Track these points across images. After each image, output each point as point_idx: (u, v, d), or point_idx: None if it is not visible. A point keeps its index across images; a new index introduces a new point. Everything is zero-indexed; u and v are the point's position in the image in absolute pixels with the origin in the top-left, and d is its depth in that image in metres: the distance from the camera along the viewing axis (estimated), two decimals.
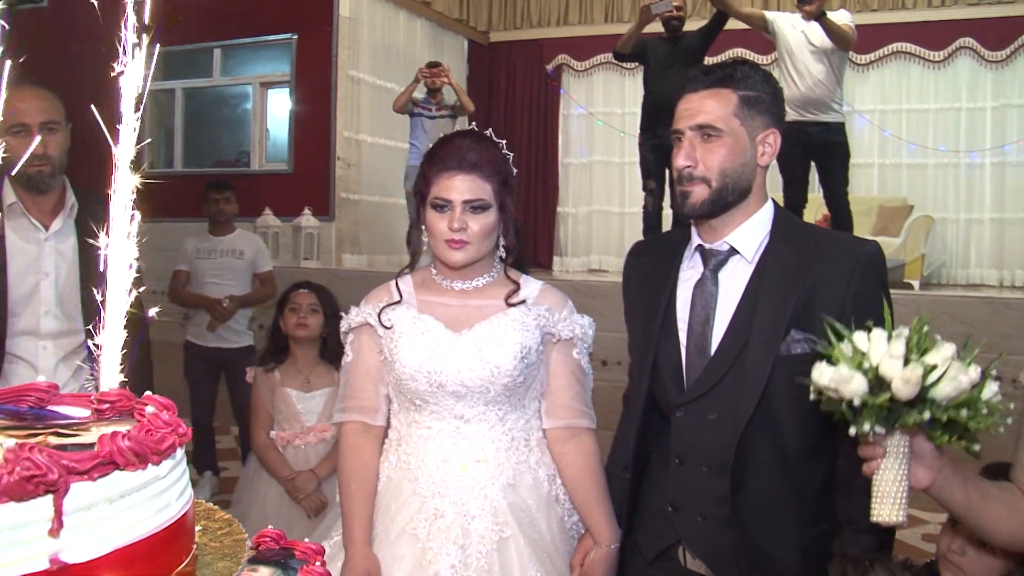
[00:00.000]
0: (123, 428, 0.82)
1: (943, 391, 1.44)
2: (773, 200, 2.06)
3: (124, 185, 1.00)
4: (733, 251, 2.00)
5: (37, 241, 2.78)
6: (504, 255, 2.21)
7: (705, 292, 2.00)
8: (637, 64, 9.02)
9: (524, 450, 2.16)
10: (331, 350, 3.70)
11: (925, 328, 1.49)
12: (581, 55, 10.71)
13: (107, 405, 0.93)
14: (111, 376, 0.97)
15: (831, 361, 1.51)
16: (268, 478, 3.65)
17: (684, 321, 2.02)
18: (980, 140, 9.38)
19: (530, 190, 10.63)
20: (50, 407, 0.95)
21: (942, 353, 1.45)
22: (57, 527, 0.72)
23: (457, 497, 2.08)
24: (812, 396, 1.55)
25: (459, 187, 2.08)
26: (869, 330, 1.52)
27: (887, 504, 1.52)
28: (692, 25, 6.95)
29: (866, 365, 1.46)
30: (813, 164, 6.26)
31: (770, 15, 6.36)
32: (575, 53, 10.75)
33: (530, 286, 2.22)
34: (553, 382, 2.19)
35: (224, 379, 5.54)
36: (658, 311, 2.06)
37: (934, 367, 1.44)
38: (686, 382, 2.01)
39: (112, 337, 0.98)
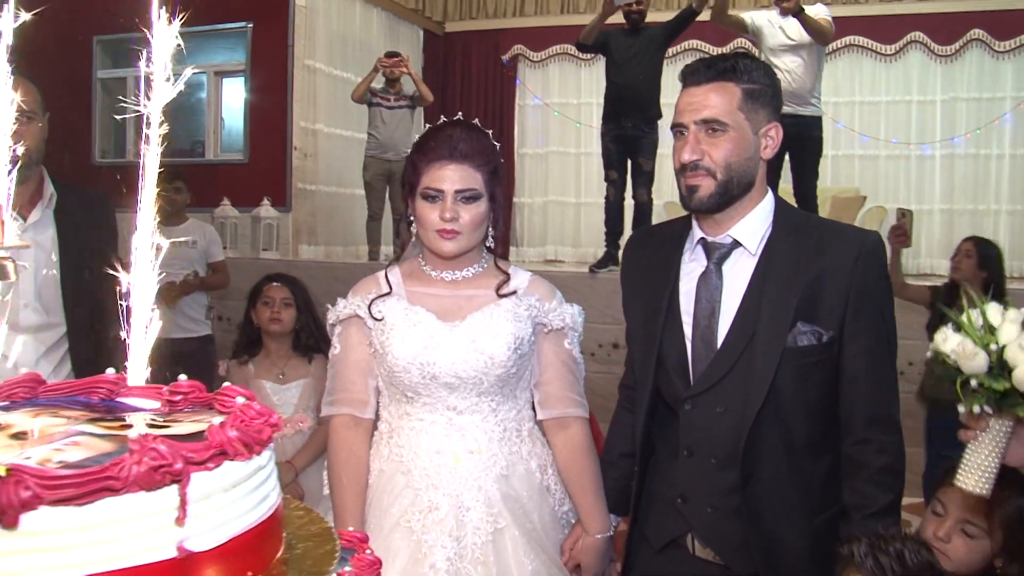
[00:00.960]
0: (212, 420, 0.83)
1: None
2: (773, 191, 2.07)
3: (150, 177, 0.98)
4: (736, 244, 2.00)
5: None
6: (492, 245, 2.20)
7: (710, 285, 2.00)
8: (593, 56, 9.12)
9: (516, 441, 2.16)
10: (304, 343, 3.69)
11: None
12: (537, 46, 10.69)
13: (180, 396, 0.94)
14: (138, 370, 0.96)
15: (956, 328, 1.49)
16: None
17: (689, 314, 2.02)
18: (930, 133, 9.57)
19: None
20: (119, 399, 0.95)
21: None
22: (183, 516, 0.74)
23: (451, 489, 2.07)
24: (928, 354, 1.54)
25: (450, 177, 2.06)
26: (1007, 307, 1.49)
27: (975, 475, 1.52)
28: (655, 16, 6.98)
29: (993, 346, 1.44)
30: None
31: (748, 16, 6.41)
32: (531, 44, 10.73)
33: (519, 276, 2.21)
34: (545, 373, 2.18)
35: (186, 371, 5.45)
36: (662, 304, 2.06)
37: None
38: (692, 375, 2.01)
39: (138, 331, 0.97)
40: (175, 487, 0.73)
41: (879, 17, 9.46)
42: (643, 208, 6.82)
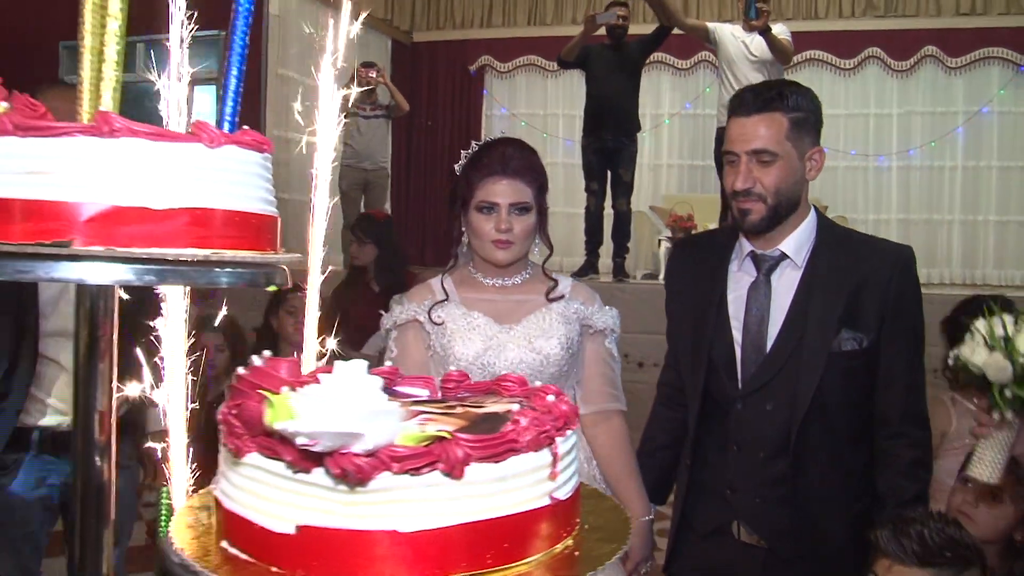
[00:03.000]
0: (505, 402, 1.01)
1: None
2: (815, 207, 2.22)
3: None
4: (784, 256, 2.16)
5: None
6: (537, 253, 2.35)
7: (760, 294, 2.17)
8: (569, 69, 9.29)
9: None
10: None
11: None
12: (504, 56, 10.82)
13: (452, 384, 1.12)
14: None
15: (987, 343, 1.69)
16: None
17: (738, 320, 2.18)
18: (887, 145, 9.89)
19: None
20: (396, 387, 1.08)
21: None
22: (555, 471, 0.92)
23: None
24: (950, 361, 1.77)
25: (504, 191, 2.20)
26: (1018, 319, 1.71)
27: (987, 466, 1.75)
28: (635, 29, 7.14)
29: (1019, 357, 1.64)
30: None
31: (712, 26, 6.58)
32: (498, 54, 10.85)
33: (564, 282, 2.36)
34: (588, 370, 2.32)
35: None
36: (710, 310, 2.22)
37: None
38: (740, 376, 2.17)
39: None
40: (548, 448, 0.92)
41: (838, 33, 9.75)
42: (623, 217, 6.98)
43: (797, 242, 2.16)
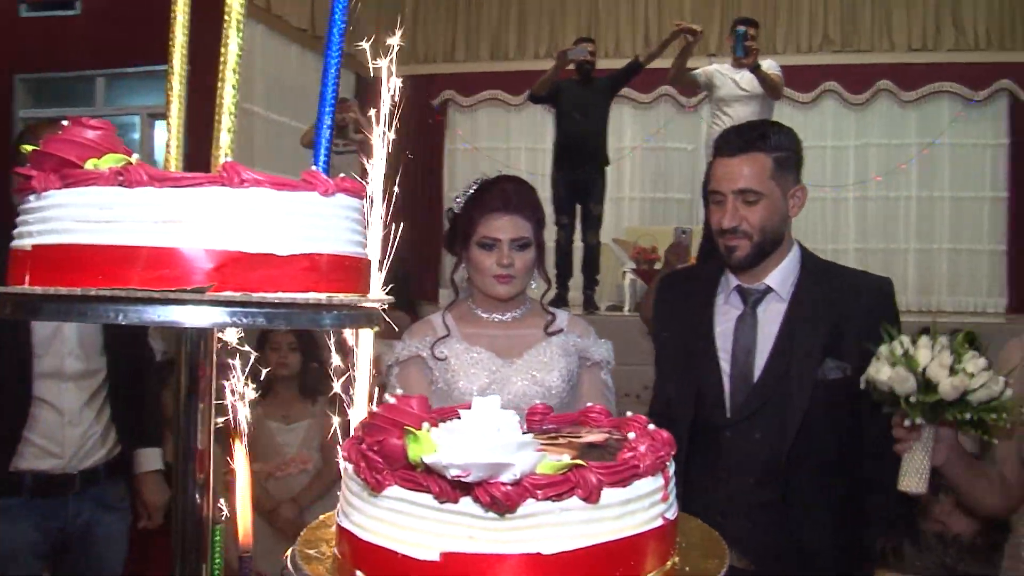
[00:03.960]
0: (593, 431, 1.12)
1: (979, 396, 1.78)
2: (798, 241, 2.29)
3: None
4: (769, 289, 2.25)
5: None
6: (535, 288, 2.40)
7: (747, 326, 2.25)
8: (530, 102, 9.39)
9: None
10: (309, 385, 3.78)
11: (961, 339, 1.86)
12: (467, 91, 10.86)
13: (538, 417, 1.23)
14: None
15: (889, 361, 1.85)
16: None
17: (726, 351, 2.26)
18: (844, 176, 10.10)
19: (416, 223, 10.62)
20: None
21: (978, 363, 1.80)
22: (665, 493, 1.03)
23: None
24: (863, 385, 1.90)
25: (505, 227, 2.26)
26: (915, 339, 1.87)
27: (914, 477, 1.89)
28: (602, 64, 7.24)
29: (918, 368, 1.80)
30: None
31: (700, 74, 6.60)
32: (461, 89, 10.89)
33: (561, 316, 2.42)
34: (586, 400, 2.35)
35: None
36: (699, 342, 2.30)
37: (972, 375, 1.78)
38: (729, 405, 2.24)
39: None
40: (660, 473, 1.03)
41: (796, 67, 9.93)
42: (593, 250, 7.05)
43: (782, 276, 2.25)
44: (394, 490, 0.94)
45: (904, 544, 2.17)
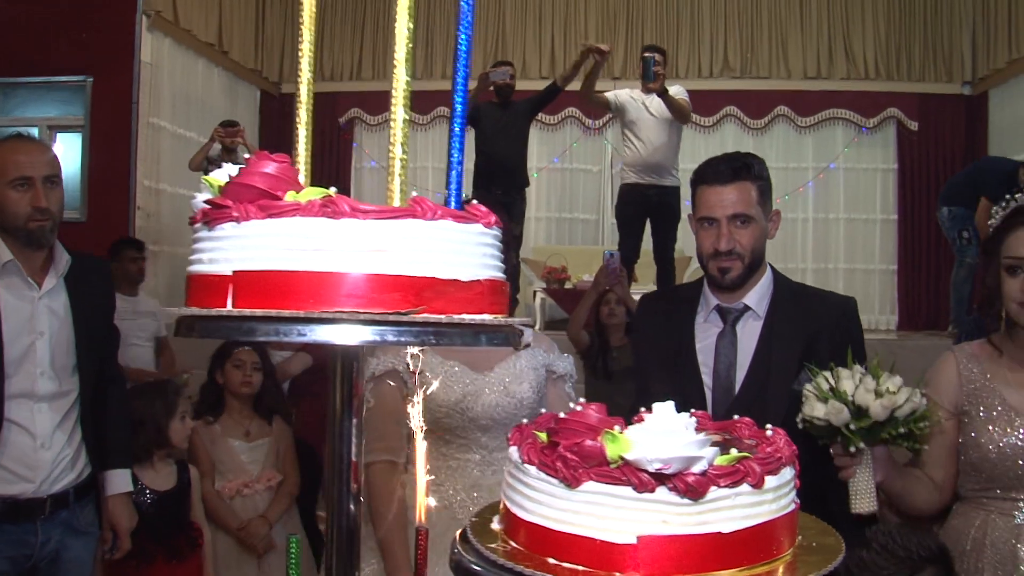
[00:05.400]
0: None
1: (904, 411, 1.94)
2: (770, 264, 2.45)
3: None
4: (747, 308, 2.39)
5: (31, 299, 2.62)
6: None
7: (727, 342, 2.38)
8: (431, 120, 9.49)
9: None
10: (266, 404, 3.74)
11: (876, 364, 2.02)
12: (374, 109, 10.83)
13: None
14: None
15: (819, 397, 2.00)
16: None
17: (707, 366, 2.38)
18: None
19: None
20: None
21: (895, 382, 1.96)
22: (797, 483, 1.21)
23: None
24: (800, 424, 2.02)
25: None
26: (832, 370, 2.02)
27: (865, 499, 2.02)
28: (521, 86, 7.31)
29: (847, 398, 1.95)
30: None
31: (611, 96, 6.72)
32: (368, 107, 10.88)
33: (527, 332, 2.44)
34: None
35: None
36: (680, 359, 2.41)
37: (895, 393, 1.94)
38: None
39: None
40: (792, 464, 1.20)
41: (698, 92, 10.22)
42: (515, 270, 7.08)
43: (758, 295, 2.38)
44: (590, 485, 1.07)
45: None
